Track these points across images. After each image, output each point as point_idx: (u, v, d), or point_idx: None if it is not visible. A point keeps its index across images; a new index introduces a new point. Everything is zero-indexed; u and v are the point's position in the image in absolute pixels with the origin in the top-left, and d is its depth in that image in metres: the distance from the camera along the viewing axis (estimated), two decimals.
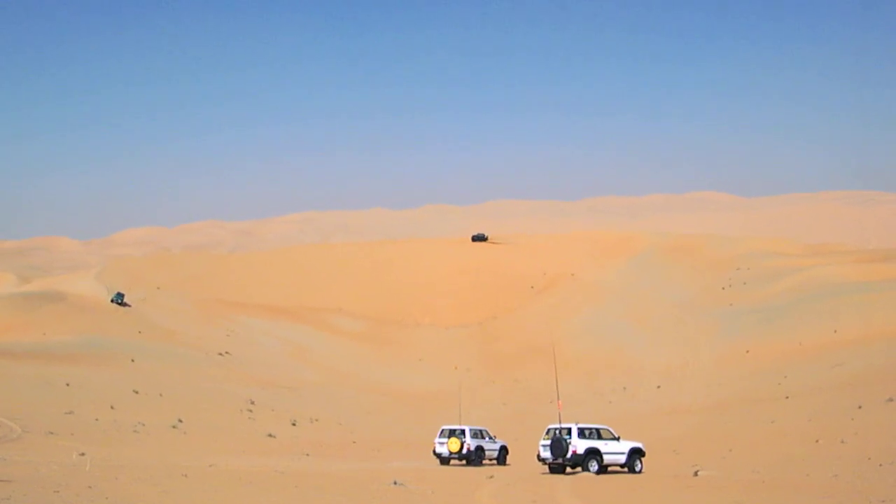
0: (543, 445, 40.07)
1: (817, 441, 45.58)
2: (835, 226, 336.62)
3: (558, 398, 46.27)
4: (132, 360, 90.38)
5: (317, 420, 75.43)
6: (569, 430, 39.15)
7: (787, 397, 69.88)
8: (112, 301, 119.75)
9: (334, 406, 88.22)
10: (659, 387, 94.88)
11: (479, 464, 47.26)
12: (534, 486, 32.02)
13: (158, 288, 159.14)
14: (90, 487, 19.29)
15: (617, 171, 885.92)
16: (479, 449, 48.43)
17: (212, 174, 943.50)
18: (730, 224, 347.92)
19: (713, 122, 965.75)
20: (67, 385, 65.77)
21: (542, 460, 40.09)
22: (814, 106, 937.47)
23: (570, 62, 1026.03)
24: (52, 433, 44.47)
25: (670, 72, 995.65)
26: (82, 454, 34.02)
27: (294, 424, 69.62)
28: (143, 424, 54.63)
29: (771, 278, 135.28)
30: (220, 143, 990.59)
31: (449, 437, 47.60)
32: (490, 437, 50.19)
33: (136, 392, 70.43)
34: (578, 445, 38.48)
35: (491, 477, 35.35)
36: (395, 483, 29.13)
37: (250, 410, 73.51)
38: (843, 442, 43.70)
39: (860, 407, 53.97)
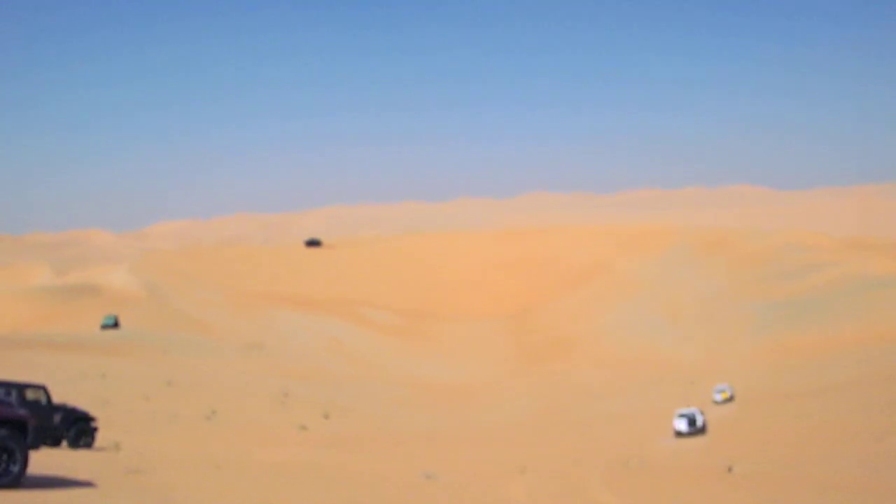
0: (678, 421, 57.72)
1: (855, 437, 45.07)
2: (870, 219, 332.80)
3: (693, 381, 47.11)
4: (166, 352, 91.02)
5: (350, 412, 75.54)
6: (693, 412, 58.64)
7: (824, 392, 69.18)
8: (103, 327, 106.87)
9: (367, 398, 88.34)
10: (692, 381, 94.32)
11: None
12: (566, 478, 31.89)
13: (192, 280, 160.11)
14: (125, 478, 19.37)
15: (651, 164, 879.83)
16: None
17: (244, 167, 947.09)
18: (764, 217, 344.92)
19: (747, 115, 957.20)
20: (103, 376, 66.26)
21: (678, 433, 57.07)
22: (848, 98, 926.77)
23: (603, 55, 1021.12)
24: None
25: (705, 65, 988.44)
26: (115, 445, 34.23)
27: (326, 417, 69.74)
28: (177, 416, 54.91)
29: (805, 272, 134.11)
30: (252, 135, 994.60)
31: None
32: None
33: (170, 384, 70.84)
34: (698, 420, 57.25)
35: (524, 470, 35.22)
36: (426, 475, 29.08)
37: (283, 402, 73.72)
38: (879, 439, 43.15)
39: None
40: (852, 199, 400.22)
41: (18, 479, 15.08)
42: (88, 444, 33.19)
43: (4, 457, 14.90)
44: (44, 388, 33.23)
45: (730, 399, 78.37)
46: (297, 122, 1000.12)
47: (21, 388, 32.06)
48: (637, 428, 69.21)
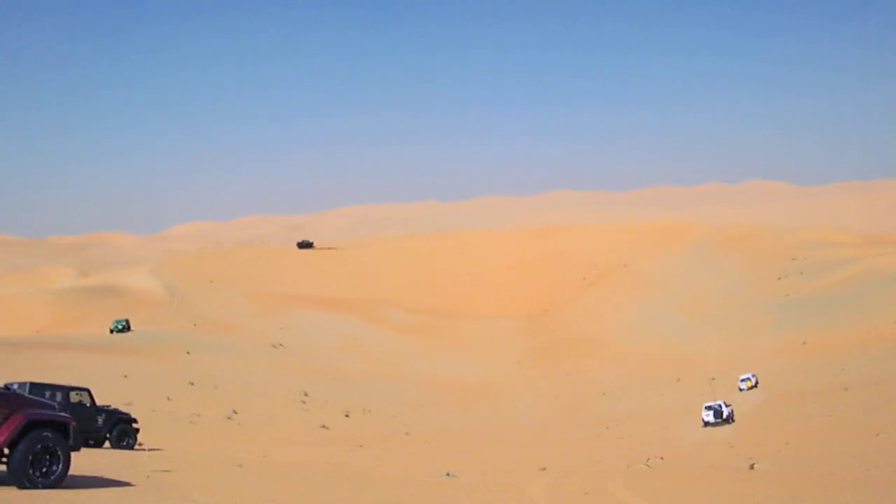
0: (706, 413, 62.78)
1: (877, 435, 44.69)
2: (892, 215, 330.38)
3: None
4: (188, 353, 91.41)
5: (370, 412, 75.70)
6: (720, 404, 63.32)
7: (846, 389, 68.70)
8: (112, 331, 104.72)
9: (387, 398, 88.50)
10: (713, 379, 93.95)
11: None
12: (587, 477, 31.84)
13: (211, 282, 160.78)
14: (147, 477, 19.51)
15: (670, 161, 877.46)
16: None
17: (264, 168, 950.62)
18: (784, 213, 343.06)
19: (766, 110, 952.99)
20: (125, 377, 66.65)
21: (706, 423, 61.93)
22: (870, 92, 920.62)
23: (620, 53, 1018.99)
24: None
25: (723, 62, 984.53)
26: (140, 445, 34.46)
27: (347, 416, 69.93)
28: (199, 416, 55.17)
29: (827, 268, 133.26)
30: (272, 137, 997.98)
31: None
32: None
33: (192, 384, 71.18)
34: (724, 411, 62.31)
35: (543, 469, 35.20)
36: (447, 474, 29.12)
37: (304, 402, 73.96)
38: None
39: None
40: (875, 194, 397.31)
41: (61, 480, 15.47)
42: (130, 446, 33.69)
43: (47, 458, 15.28)
44: (87, 391, 34.13)
45: (754, 386, 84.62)
46: (316, 123, 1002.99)
47: (66, 390, 32.98)
48: (658, 426, 69.01)
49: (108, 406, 35.50)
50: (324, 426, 60.58)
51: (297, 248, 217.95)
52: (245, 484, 22.07)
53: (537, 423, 77.91)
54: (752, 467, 35.03)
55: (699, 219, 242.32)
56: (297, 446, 45.53)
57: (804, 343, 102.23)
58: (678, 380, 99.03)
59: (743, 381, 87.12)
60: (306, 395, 77.68)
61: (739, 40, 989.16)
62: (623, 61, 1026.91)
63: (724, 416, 62.71)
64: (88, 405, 33.55)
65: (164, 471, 22.25)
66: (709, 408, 63.86)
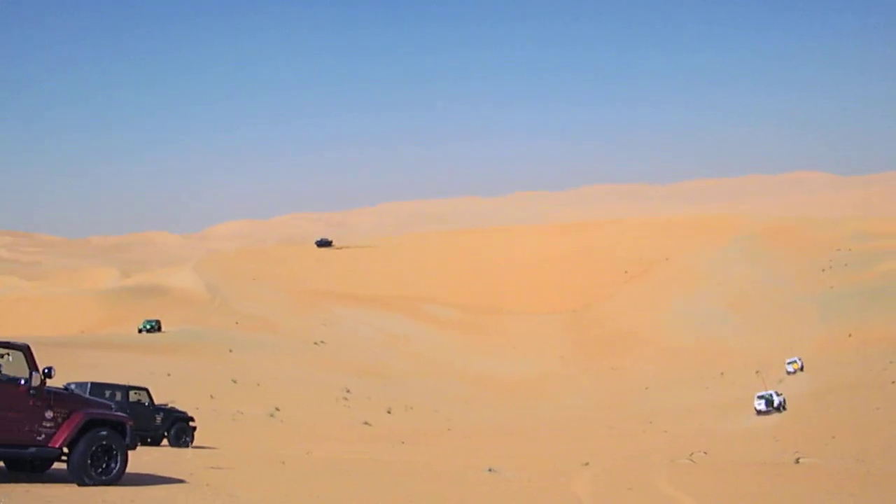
0: (758, 402, 66.49)
1: None
2: None
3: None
4: (230, 351, 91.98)
5: (412, 408, 75.73)
6: (771, 393, 67.39)
7: (893, 382, 67.83)
8: (140, 330, 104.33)
9: (429, 394, 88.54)
10: (757, 372, 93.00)
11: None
12: (630, 472, 31.58)
13: (254, 279, 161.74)
14: (191, 474, 19.57)
15: (709, 153, 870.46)
16: None
17: (303, 166, 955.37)
18: (828, 204, 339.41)
19: (807, 99, 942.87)
20: (169, 375, 67.13)
21: (759, 412, 65.69)
22: None
23: (656, 47, 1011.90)
24: None
25: (763, 51, 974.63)
26: (185, 443, 34.71)
27: (389, 412, 69.99)
28: (242, 413, 55.44)
29: (873, 260, 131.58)
30: (311, 135, 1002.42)
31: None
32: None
33: (235, 381, 71.59)
34: (776, 400, 66.09)
35: (586, 464, 34.97)
36: (489, 470, 28.99)
37: (346, 398, 74.14)
38: None
39: None
40: None
41: (119, 477, 15.88)
42: (187, 444, 34.04)
43: (105, 456, 15.68)
44: (146, 390, 34.79)
45: (801, 369, 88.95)
46: (354, 120, 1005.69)
47: (126, 389, 33.79)
48: (702, 420, 68.55)
49: (166, 405, 36.24)
50: (366, 423, 60.66)
51: (315, 246, 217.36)
52: (288, 481, 22.08)
53: (580, 418, 77.61)
54: (797, 461, 34.62)
55: (741, 211, 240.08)
56: (339, 443, 45.60)
57: (850, 335, 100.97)
58: (722, 373, 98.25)
59: (790, 363, 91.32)
60: (348, 391, 77.88)
61: (779, 31, 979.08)
62: (659, 55, 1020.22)
63: (776, 404, 66.19)
64: (147, 404, 34.18)
65: (209, 468, 22.33)
66: (760, 397, 67.43)
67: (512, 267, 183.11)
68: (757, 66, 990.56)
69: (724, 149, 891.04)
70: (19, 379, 14.67)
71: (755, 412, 66.58)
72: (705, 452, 39.83)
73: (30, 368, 14.78)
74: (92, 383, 32.32)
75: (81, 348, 76.45)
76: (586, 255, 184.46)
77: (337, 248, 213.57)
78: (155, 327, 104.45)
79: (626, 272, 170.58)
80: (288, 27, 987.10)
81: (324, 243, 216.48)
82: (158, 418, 34.19)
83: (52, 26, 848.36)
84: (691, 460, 36.72)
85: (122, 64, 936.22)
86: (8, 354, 14.89)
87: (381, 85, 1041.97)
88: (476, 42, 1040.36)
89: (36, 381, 14.70)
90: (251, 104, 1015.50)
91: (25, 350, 15.01)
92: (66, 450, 15.36)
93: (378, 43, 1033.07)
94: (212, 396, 61.76)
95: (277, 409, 60.13)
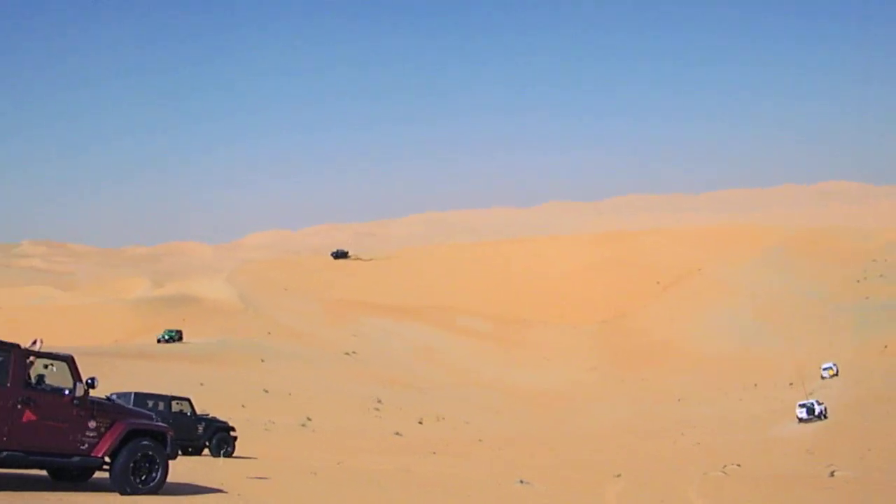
0: (799, 410, 67.95)
1: None
2: None
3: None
4: (262, 361, 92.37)
5: (443, 418, 75.72)
6: (812, 402, 68.17)
7: None
8: (159, 340, 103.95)
9: (460, 405, 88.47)
10: (791, 384, 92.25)
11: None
12: (662, 485, 31.40)
13: (286, 289, 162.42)
14: (222, 484, 19.65)
15: (742, 162, 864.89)
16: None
17: (333, 176, 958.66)
18: (862, 214, 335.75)
19: (840, 109, 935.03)
20: (201, 385, 67.52)
21: (800, 419, 67.12)
22: None
23: (687, 56, 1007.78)
24: None
25: (793, 59, 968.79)
26: (226, 452, 34.92)
27: (420, 423, 70.01)
28: (273, 423, 55.67)
29: None
30: (341, 144, 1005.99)
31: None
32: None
33: (266, 391, 71.90)
34: (817, 409, 67.62)
35: (618, 475, 34.79)
36: (521, 482, 28.91)
37: (377, 409, 74.24)
38: None
39: None
40: None
41: (159, 487, 16.19)
42: (229, 454, 34.34)
43: (147, 465, 15.98)
44: (188, 400, 35.29)
45: (836, 374, 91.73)
46: (383, 131, 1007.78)
47: (168, 399, 34.20)
48: (735, 432, 68.05)
49: (207, 414, 36.79)
50: (397, 433, 60.71)
51: (332, 258, 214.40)
52: (320, 491, 22.14)
53: (612, 429, 77.25)
54: (832, 475, 34.25)
55: (774, 221, 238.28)
56: (370, 453, 45.64)
57: (885, 347, 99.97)
58: (755, 385, 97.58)
59: (825, 369, 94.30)
60: (379, 402, 77.98)
61: (812, 41, 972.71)
62: (693, 66, 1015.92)
63: (817, 412, 67.63)
64: (189, 414, 34.64)
65: (243, 478, 22.43)
66: (802, 405, 68.84)
67: (544, 277, 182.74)
68: (790, 76, 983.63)
69: (757, 159, 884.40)
70: (63, 389, 14.99)
71: (797, 420, 67.77)
72: (738, 465, 39.55)
73: (74, 379, 15.09)
74: (135, 393, 32.80)
75: (115, 358, 77.04)
76: (618, 266, 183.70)
77: (353, 260, 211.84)
78: (175, 337, 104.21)
79: (658, 283, 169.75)
80: (317, 38, 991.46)
81: (340, 255, 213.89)
82: (200, 428, 34.64)
83: (89, 37, 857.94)
84: (724, 472, 36.47)
85: (154, 76, 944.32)
86: (52, 365, 15.20)
87: (412, 95, 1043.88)
88: (511, 52, 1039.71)
89: (80, 392, 15.01)
90: (282, 115, 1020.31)
91: (69, 361, 15.31)
92: (108, 459, 15.63)
93: (412, 53, 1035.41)
94: (244, 406, 62.07)
95: (309, 420, 60.33)
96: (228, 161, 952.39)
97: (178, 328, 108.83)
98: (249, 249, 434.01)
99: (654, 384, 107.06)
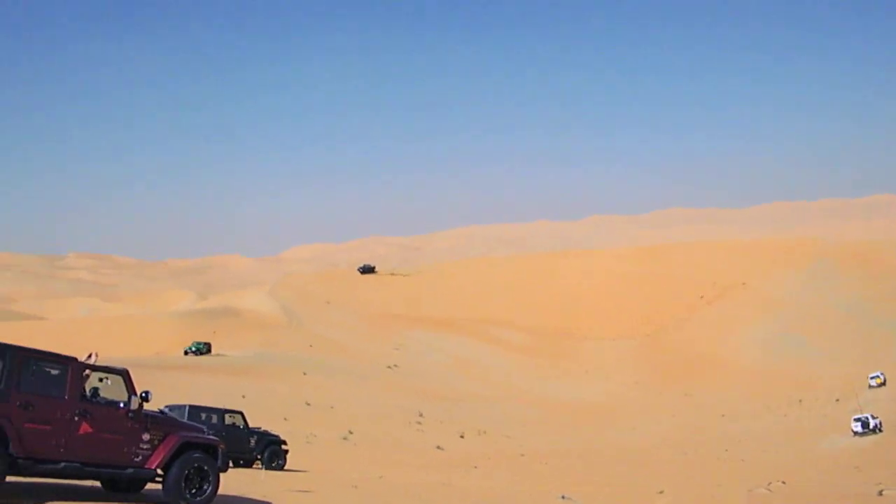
0: (854, 424, 68.14)
1: None
2: None
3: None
4: (304, 374, 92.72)
5: (484, 432, 75.53)
6: (867, 416, 68.68)
7: None
8: (186, 352, 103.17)
9: (502, 419, 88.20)
10: (838, 400, 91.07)
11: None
12: (706, 502, 31.12)
13: (328, 303, 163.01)
14: (265, 495, 19.79)
15: (786, 176, 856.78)
16: None
17: (377, 190, 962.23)
18: None
19: (884, 123, 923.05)
20: (243, 397, 67.91)
21: (855, 433, 67.25)
22: None
23: (731, 73, 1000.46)
24: None
25: (841, 70, 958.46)
26: (258, 465, 35.10)
27: (462, 437, 69.90)
28: (315, 436, 55.85)
29: None
30: (385, 158, 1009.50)
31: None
32: None
33: (308, 404, 72.16)
34: (871, 423, 67.86)
35: (661, 492, 34.52)
36: (563, 497, 28.78)
37: (419, 423, 74.23)
38: None
39: None
40: None
41: (211, 499, 16.50)
42: (280, 467, 34.73)
43: (199, 478, 16.31)
44: (241, 414, 36.01)
45: (883, 384, 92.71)
46: (427, 144, 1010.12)
47: (222, 413, 34.93)
48: (780, 448, 67.23)
49: (259, 428, 37.21)
50: (438, 447, 60.67)
51: (359, 273, 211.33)
52: None
53: (654, 444, 76.64)
54: (880, 493, 33.67)
55: (819, 235, 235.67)
56: (412, 467, 45.66)
57: None
58: (800, 400, 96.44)
59: (872, 378, 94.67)
60: (421, 415, 77.98)
61: (852, 49, 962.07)
62: (739, 82, 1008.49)
63: (871, 426, 67.97)
64: (241, 427, 35.24)
65: (286, 490, 22.55)
66: (857, 419, 69.25)
67: (586, 291, 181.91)
68: (838, 90, 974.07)
69: (803, 173, 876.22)
70: (118, 402, 15.38)
71: (852, 434, 67.89)
72: (784, 482, 39.08)
73: (128, 392, 15.49)
74: (189, 406, 33.52)
75: (156, 370, 77.70)
76: (661, 280, 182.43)
77: (383, 275, 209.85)
78: (203, 350, 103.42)
79: (701, 297, 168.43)
80: (365, 53, 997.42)
81: (367, 270, 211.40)
82: (252, 441, 35.15)
83: (129, 49, 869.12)
84: (769, 490, 36.05)
85: (200, 91, 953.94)
86: (106, 378, 15.52)
87: (458, 109, 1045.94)
88: (557, 68, 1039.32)
89: (134, 405, 15.40)
90: (328, 130, 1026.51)
91: (125, 374, 15.71)
92: (160, 471, 15.96)
93: (460, 68, 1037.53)
94: (286, 419, 62.31)
95: (350, 433, 60.47)
96: (272, 175, 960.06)
97: (207, 340, 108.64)
98: (292, 262, 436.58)
99: (697, 399, 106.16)
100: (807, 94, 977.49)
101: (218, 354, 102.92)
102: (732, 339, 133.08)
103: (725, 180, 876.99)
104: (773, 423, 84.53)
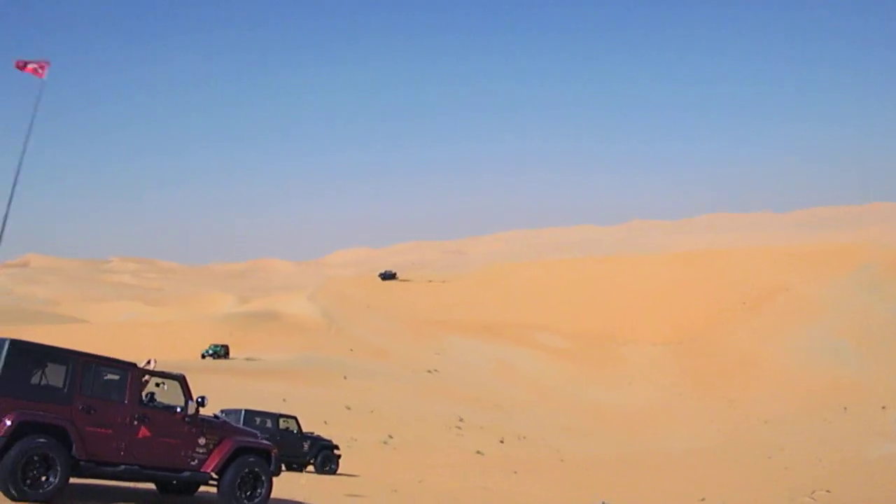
0: None
1: None
2: None
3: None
4: (344, 377, 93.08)
5: (524, 437, 75.45)
6: None
7: None
8: (203, 356, 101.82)
9: (542, 424, 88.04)
10: (884, 407, 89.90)
11: None
12: None
13: (369, 307, 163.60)
14: (309, 497, 19.98)
15: (832, 180, 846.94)
16: None
17: (420, 194, 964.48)
18: None
19: None
20: (284, 401, 68.30)
21: None
22: None
23: (773, 76, 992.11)
24: None
25: (887, 78, 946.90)
26: (310, 470, 35.49)
27: (502, 442, 69.88)
28: (355, 440, 56.07)
29: None
30: (428, 162, 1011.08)
31: None
32: None
33: (349, 408, 72.45)
34: None
35: (703, 500, 34.35)
36: (602, 503, 28.77)
37: (459, 427, 74.27)
38: None
39: None
40: None
41: (264, 502, 16.96)
42: (333, 471, 35.20)
43: (252, 482, 16.78)
44: (295, 418, 36.71)
45: None
46: (470, 149, 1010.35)
47: (276, 417, 35.71)
48: (824, 457, 66.60)
49: (313, 433, 37.96)
50: (478, 452, 60.71)
51: (380, 279, 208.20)
52: None
53: (695, 451, 76.19)
54: None
55: (866, 239, 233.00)
56: (451, 472, 45.77)
57: None
58: (845, 408, 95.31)
59: None
60: (461, 420, 78.02)
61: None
62: (778, 79, 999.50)
63: None
64: (295, 431, 35.93)
65: (329, 494, 22.73)
66: None
67: (627, 295, 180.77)
68: (883, 92, 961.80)
69: (849, 176, 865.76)
70: (175, 407, 15.94)
71: None
72: (828, 491, 38.80)
73: (185, 397, 16.07)
74: (245, 410, 34.25)
75: (198, 373, 78.37)
76: (702, 285, 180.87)
77: (402, 281, 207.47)
78: (220, 353, 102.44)
79: (744, 303, 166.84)
80: (409, 55, 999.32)
81: (388, 276, 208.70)
82: (306, 445, 35.77)
83: (172, 50, 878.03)
84: (812, 498, 35.81)
85: (241, 92, 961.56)
86: (163, 383, 15.98)
87: (498, 114, 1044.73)
88: (599, 73, 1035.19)
89: (191, 410, 15.99)
90: (370, 133, 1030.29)
91: (181, 380, 16.32)
92: (215, 475, 16.47)
93: (503, 73, 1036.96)
94: (326, 423, 62.58)
95: (391, 437, 60.65)
96: (317, 179, 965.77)
97: (225, 343, 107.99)
98: (334, 267, 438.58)
99: (740, 405, 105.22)
100: (853, 98, 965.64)
101: (248, 359, 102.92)
102: (775, 345, 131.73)
103: (771, 184, 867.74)
104: (816, 431, 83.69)
